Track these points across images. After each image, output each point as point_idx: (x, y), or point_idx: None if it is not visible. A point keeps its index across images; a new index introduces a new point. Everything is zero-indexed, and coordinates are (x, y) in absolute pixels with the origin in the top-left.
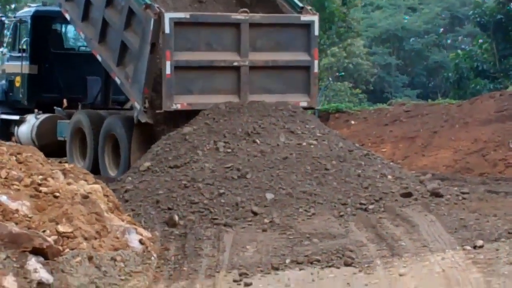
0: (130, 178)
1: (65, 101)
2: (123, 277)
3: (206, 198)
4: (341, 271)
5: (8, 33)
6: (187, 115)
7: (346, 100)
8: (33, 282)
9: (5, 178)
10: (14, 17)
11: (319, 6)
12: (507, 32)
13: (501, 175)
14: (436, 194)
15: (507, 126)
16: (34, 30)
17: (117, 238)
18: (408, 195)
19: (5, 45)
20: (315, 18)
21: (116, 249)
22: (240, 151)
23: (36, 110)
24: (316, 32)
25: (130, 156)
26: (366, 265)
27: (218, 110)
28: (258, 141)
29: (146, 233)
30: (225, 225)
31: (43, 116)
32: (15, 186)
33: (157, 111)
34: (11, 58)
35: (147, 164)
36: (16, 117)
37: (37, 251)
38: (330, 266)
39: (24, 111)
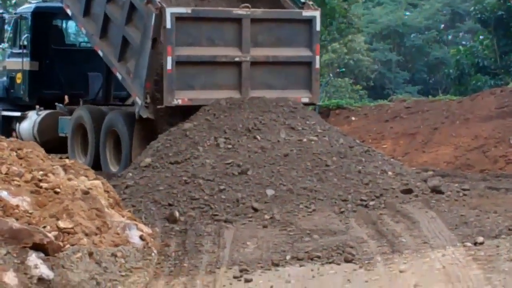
0: (130, 174)
1: (66, 97)
2: (123, 273)
3: (207, 194)
4: (341, 268)
5: (9, 30)
6: (189, 111)
7: (346, 96)
8: (34, 278)
9: (6, 173)
10: (15, 13)
11: (320, 2)
12: (508, 28)
13: (502, 171)
14: (436, 190)
15: (507, 122)
16: (35, 27)
17: (118, 234)
18: (408, 191)
19: (5, 41)
20: (317, 14)
21: (116, 245)
22: (241, 147)
23: (37, 107)
24: (318, 28)
25: (132, 152)
26: (366, 262)
27: (219, 106)
28: (258, 137)
29: (147, 229)
30: (225, 221)
31: (44, 113)
32: (15, 182)
33: (158, 107)
34: (12, 55)
35: (148, 160)
36: (18, 114)
37: (37, 247)
38: (330, 263)
39: (25, 107)
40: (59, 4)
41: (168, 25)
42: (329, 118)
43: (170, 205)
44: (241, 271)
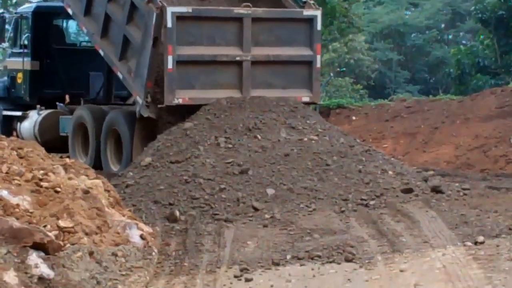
0: (131, 173)
1: (67, 96)
2: (124, 273)
3: (207, 194)
4: (342, 267)
5: (10, 29)
6: (190, 110)
7: (347, 95)
8: (34, 277)
9: (6, 172)
10: (15, 13)
11: (321, 1)
12: (509, 28)
13: (502, 171)
14: (437, 190)
15: (508, 122)
16: (35, 26)
17: (118, 233)
18: (409, 191)
19: (6, 41)
20: (318, 13)
21: (117, 244)
22: (241, 146)
23: (38, 106)
24: (319, 27)
25: (132, 151)
26: (367, 261)
27: (219, 105)
28: (259, 137)
29: (147, 229)
30: (226, 220)
31: (45, 112)
32: (16, 181)
33: (159, 106)
34: (13, 54)
35: (148, 159)
36: (19, 113)
37: (38, 246)
38: (331, 262)
39: (26, 107)
40: (59, 4)
41: (169, 24)
42: (330, 118)
43: (170, 204)
44: (241, 270)
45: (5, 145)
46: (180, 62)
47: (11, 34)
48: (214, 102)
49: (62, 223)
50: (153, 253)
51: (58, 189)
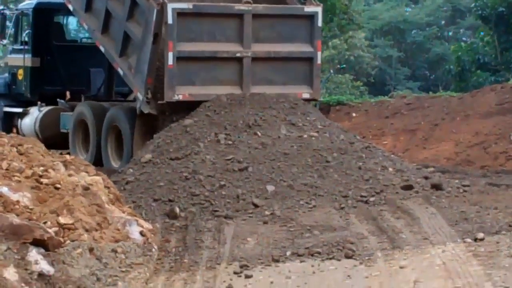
0: (131, 170)
1: (68, 93)
2: (123, 269)
3: (207, 190)
4: (341, 263)
5: (10, 26)
6: (190, 106)
7: (347, 92)
8: (34, 274)
9: (6, 169)
10: (16, 9)
11: None
12: (509, 24)
13: (502, 167)
14: (437, 187)
15: (508, 119)
16: (36, 23)
17: (118, 229)
18: (409, 187)
19: (7, 37)
20: (319, 9)
21: (117, 241)
22: (241, 143)
23: (39, 103)
24: (320, 24)
25: (133, 148)
26: (366, 258)
27: (219, 102)
28: (259, 133)
29: (147, 225)
30: (226, 217)
31: (46, 109)
32: (16, 178)
33: (159, 102)
34: (14, 51)
35: (148, 156)
36: (19, 110)
37: (38, 243)
38: (330, 259)
39: (27, 103)
40: (60, 0)
41: (170, 21)
42: (330, 114)
43: (170, 201)
44: (241, 267)
45: (5, 142)
46: (181, 58)
47: (12, 31)
48: (214, 98)
49: (62, 220)
50: (153, 250)
51: (58, 186)
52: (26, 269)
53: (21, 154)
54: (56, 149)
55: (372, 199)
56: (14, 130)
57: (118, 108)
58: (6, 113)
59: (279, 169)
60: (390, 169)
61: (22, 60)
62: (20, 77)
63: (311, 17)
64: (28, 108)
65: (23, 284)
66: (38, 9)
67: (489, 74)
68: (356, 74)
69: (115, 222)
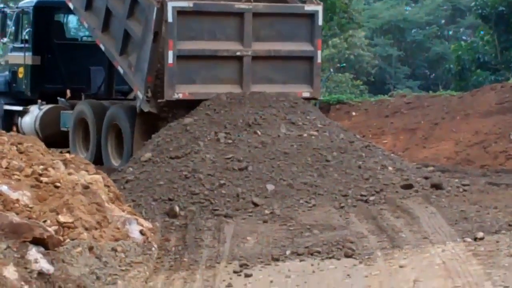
0: (131, 169)
1: (68, 91)
2: (123, 268)
3: (207, 189)
4: (341, 263)
5: (11, 24)
6: (191, 105)
7: (347, 91)
8: (34, 272)
9: (6, 168)
10: (17, 7)
11: None
12: (509, 24)
13: (502, 167)
14: (437, 186)
15: (508, 118)
16: (37, 21)
17: (118, 228)
18: (408, 186)
19: (7, 36)
20: (319, 8)
21: (116, 240)
22: (241, 142)
23: (39, 101)
24: (320, 22)
25: (133, 146)
26: (366, 257)
27: (219, 100)
28: (259, 132)
29: (147, 224)
30: (225, 216)
31: (46, 107)
32: (16, 176)
33: (159, 101)
34: (14, 49)
35: (148, 154)
36: (20, 108)
37: (37, 241)
38: (330, 258)
39: (27, 102)
40: None
41: (170, 19)
42: (330, 113)
43: (170, 200)
44: (241, 266)
45: (5, 140)
46: (181, 57)
47: (13, 29)
48: (214, 97)
49: (61, 218)
50: (153, 249)
51: (58, 184)
52: (25, 268)
53: (21, 152)
54: (56, 148)
55: (372, 198)
56: (14, 129)
57: (118, 107)
58: (6, 111)
59: (279, 168)
60: (390, 168)
61: (22, 58)
62: (20, 75)
63: (312, 15)
64: (28, 107)
65: (22, 283)
66: (38, 7)
67: (489, 73)
68: (356, 73)
69: (115, 221)
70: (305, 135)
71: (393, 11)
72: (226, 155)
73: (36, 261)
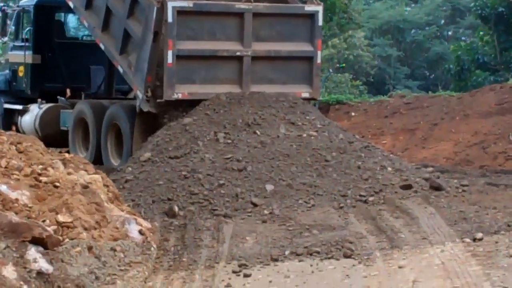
0: (130, 169)
1: (68, 90)
2: (122, 268)
3: (206, 189)
4: (340, 263)
5: (11, 23)
6: (191, 105)
7: (346, 91)
8: (33, 272)
9: (5, 167)
10: (17, 6)
11: None
12: (508, 24)
13: (501, 167)
14: (436, 188)
15: (507, 118)
16: (37, 20)
17: (117, 228)
18: (408, 187)
19: (7, 34)
20: (320, 8)
21: (115, 240)
22: (240, 142)
23: (39, 100)
24: (320, 23)
25: (133, 146)
26: (365, 257)
27: (219, 100)
28: (258, 132)
29: (146, 224)
30: (225, 216)
31: (46, 106)
32: (15, 176)
33: (158, 100)
34: (14, 48)
35: (147, 154)
36: (20, 107)
37: (36, 241)
38: (329, 258)
39: (27, 100)
40: None
41: (170, 19)
42: (329, 114)
43: (169, 199)
44: (240, 266)
45: (4, 140)
46: (180, 57)
47: (13, 28)
48: (214, 97)
49: (61, 218)
50: (152, 248)
51: (57, 184)
52: (24, 268)
53: (20, 152)
54: (56, 147)
55: (371, 198)
56: (14, 128)
57: (118, 106)
58: (6, 110)
59: (278, 168)
60: (389, 168)
61: (23, 57)
62: (20, 74)
63: (312, 16)
64: (28, 105)
65: (21, 283)
66: (39, 6)
67: (488, 73)
68: (355, 73)
69: (114, 220)
70: (304, 135)
71: (392, 11)
72: (226, 155)
73: (35, 261)
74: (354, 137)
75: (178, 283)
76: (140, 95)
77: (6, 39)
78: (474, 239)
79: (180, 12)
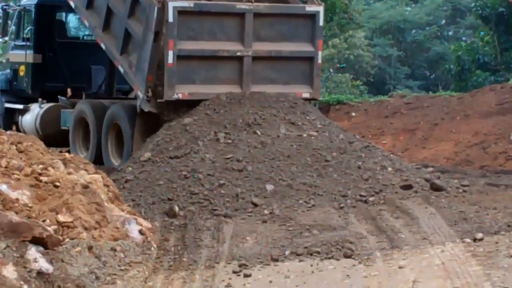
0: (130, 169)
1: (69, 90)
2: (122, 268)
3: (206, 189)
4: (340, 263)
5: (12, 22)
6: (192, 105)
7: (346, 91)
8: (33, 272)
9: (6, 167)
10: (18, 5)
11: None
12: (509, 24)
13: (502, 168)
14: (436, 188)
15: (507, 119)
16: (38, 19)
17: (117, 228)
18: (408, 187)
19: (8, 34)
20: (321, 9)
21: (116, 239)
22: (241, 142)
23: (40, 99)
24: (321, 23)
25: (133, 146)
26: (365, 257)
27: (219, 100)
28: (258, 132)
29: (146, 224)
30: (225, 216)
31: (47, 105)
32: (15, 176)
33: (159, 101)
34: (15, 47)
35: (148, 154)
36: (20, 106)
37: (37, 241)
38: (329, 258)
39: (28, 100)
40: None
41: (170, 19)
42: (329, 114)
43: (169, 199)
44: (240, 266)
45: (4, 140)
46: (181, 57)
47: (14, 27)
48: (214, 97)
49: (61, 218)
50: (152, 248)
51: (58, 184)
52: (25, 267)
53: (20, 152)
54: (56, 147)
55: (371, 198)
56: (14, 128)
57: (118, 106)
58: (7, 109)
59: (279, 168)
60: (390, 168)
61: (23, 56)
62: (21, 73)
63: (313, 16)
64: (29, 105)
65: (22, 282)
66: (40, 6)
67: (489, 74)
68: (355, 73)
69: (114, 220)
70: (304, 135)
71: (393, 11)
72: (226, 155)
73: (35, 261)
74: (355, 137)
75: (178, 283)
76: (140, 95)
77: (5, 39)
78: (475, 240)
79: (181, 12)
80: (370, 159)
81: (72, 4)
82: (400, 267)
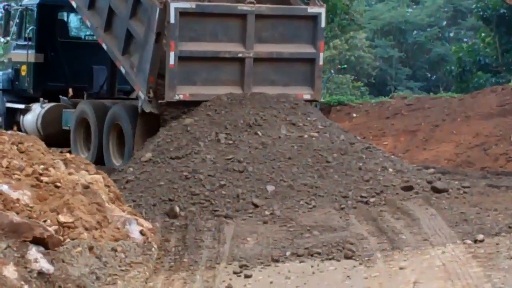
0: (131, 169)
1: (70, 90)
2: (123, 268)
3: (207, 190)
4: (341, 264)
5: (14, 22)
6: (193, 105)
7: (347, 93)
8: (34, 272)
9: (7, 167)
10: (20, 5)
11: None
12: (510, 26)
13: (502, 169)
14: (437, 190)
15: (508, 120)
16: (40, 19)
17: (118, 228)
18: (409, 188)
19: (10, 34)
20: (322, 10)
21: (116, 240)
22: (242, 143)
23: (41, 99)
24: (323, 24)
25: (134, 146)
26: (366, 258)
27: (220, 101)
28: (259, 133)
29: (147, 224)
30: (225, 216)
31: (48, 105)
32: (16, 176)
33: (160, 101)
34: (17, 47)
35: (149, 155)
36: (22, 106)
37: (37, 241)
38: (330, 259)
39: (29, 99)
40: None
41: (172, 20)
42: (330, 115)
43: (170, 200)
44: (241, 266)
45: (5, 140)
46: (182, 58)
47: (16, 27)
48: (215, 98)
49: (62, 218)
50: (153, 249)
51: (58, 184)
52: (25, 267)
53: (21, 152)
54: (57, 147)
55: (372, 199)
56: (15, 128)
57: (120, 107)
58: (8, 109)
59: (279, 169)
60: (390, 169)
61: (25, 56)
62: (23, 73)
63: (315, 17)
64: (31, 105)
65: (22, 283)
66: (42, 5)
67: (490, 75)
68: (356, 75)
69: (115, 221)
70: (305, 136)
71: (394, 12)
72: (227, 155)
73: (36, 261)
74: (355, 138)
75: (179, 283)
76: (142, 95)
77: (7, 39)
78: (475, 241)
79: (183, 13)
80: (371, 160)
81: (74, 4)
82: (400, 268)
